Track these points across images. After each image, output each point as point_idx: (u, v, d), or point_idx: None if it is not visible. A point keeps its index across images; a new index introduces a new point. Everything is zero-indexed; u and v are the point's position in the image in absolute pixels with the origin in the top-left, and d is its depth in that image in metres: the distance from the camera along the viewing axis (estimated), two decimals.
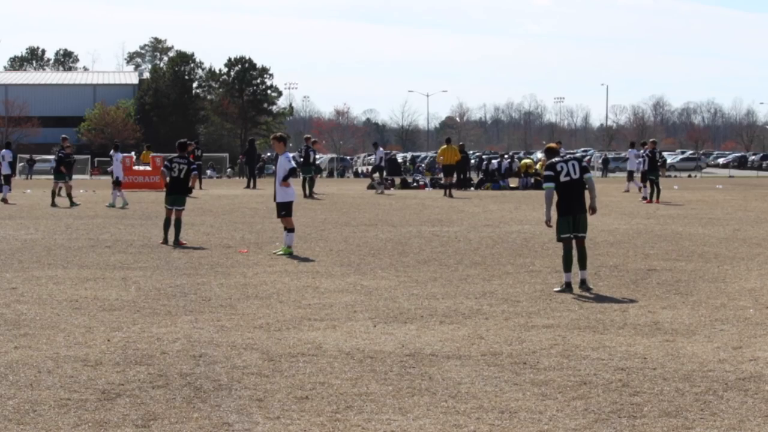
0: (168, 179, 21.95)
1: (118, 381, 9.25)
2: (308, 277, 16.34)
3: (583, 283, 14.96)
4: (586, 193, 15.33)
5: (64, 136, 39.40)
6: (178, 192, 21.79)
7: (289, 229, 19.85)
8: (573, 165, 15.18)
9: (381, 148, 51.21)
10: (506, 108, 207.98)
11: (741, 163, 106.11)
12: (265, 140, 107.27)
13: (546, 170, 15.36)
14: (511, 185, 52.59)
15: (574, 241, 15.11)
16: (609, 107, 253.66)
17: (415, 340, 11.26)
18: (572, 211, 15.10)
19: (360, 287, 15.28)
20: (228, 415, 8.16)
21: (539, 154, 77.30)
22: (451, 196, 41.17)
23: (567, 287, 14.87)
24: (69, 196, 36.12)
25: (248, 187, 50.51)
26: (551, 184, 15.14)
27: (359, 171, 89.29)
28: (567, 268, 15.00)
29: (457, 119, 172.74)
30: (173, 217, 21.59)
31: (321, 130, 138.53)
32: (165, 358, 10.23)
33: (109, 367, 9.84)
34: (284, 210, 20.03)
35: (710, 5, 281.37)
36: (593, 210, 15.56)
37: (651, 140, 42.15)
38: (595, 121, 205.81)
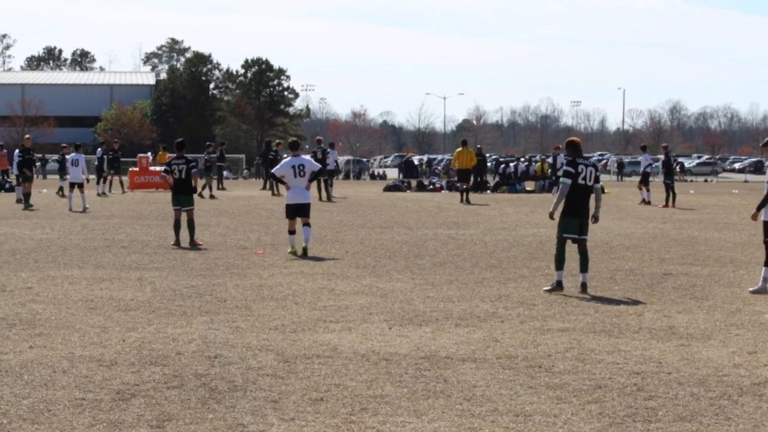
0: (172, 182, 22.02)
1: (133, 381, 9.27)
2: (324, 279, 16.35)
3: (584, 287, 14.96)
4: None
5: (27, 136, 39.08)
6: (183, 192, 21.88)
7: (307, 224, 19.99)
8: (591, 171, 15.21)
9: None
10: (523, 111, 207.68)
11: (757, 168, 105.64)
12: (282, 141, 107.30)
13: (567, 165, 15.29)
14: (528, 188, 52.50)
15: (576, 244, 15.18)
16: (626, 111, 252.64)
17: (431, 342, 11.25)
18: (580, 215, 15.13)
19: (375, 289, 15.28)
20: (243, 416, 8.17)
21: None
22: (468, 201, 39.05)
23: (558, 285, 14.90)
24: (26, 196, 34.70)
25: (264, 188, 50.56)
26: (569, 181, 15.11)
27: (376, 173, 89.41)
28: (560, 266, 15.04)
29: (474, 122, 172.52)
30: (185, 218, 21.66)
31: (338, 132, 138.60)
32: (180, 359, 10.25)
33: (124, 367, 9.86)
34: (306, 211, 20.14)
35: (727, 10, 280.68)
36: (596, 219, 15.56)
37: (663, 145, 42.51)
38: (612, 124, 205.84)
